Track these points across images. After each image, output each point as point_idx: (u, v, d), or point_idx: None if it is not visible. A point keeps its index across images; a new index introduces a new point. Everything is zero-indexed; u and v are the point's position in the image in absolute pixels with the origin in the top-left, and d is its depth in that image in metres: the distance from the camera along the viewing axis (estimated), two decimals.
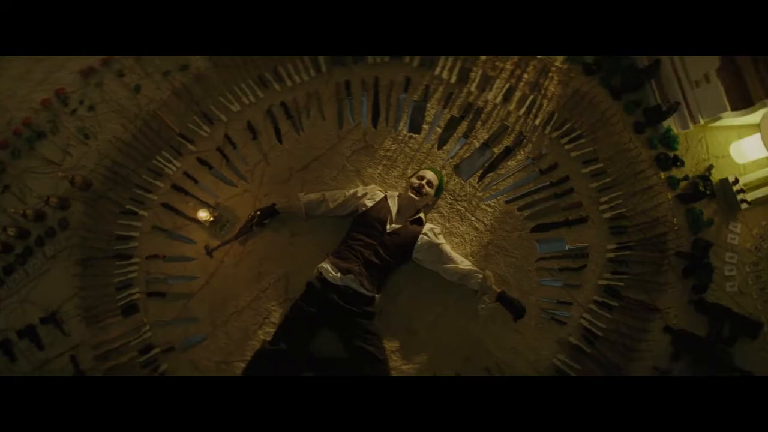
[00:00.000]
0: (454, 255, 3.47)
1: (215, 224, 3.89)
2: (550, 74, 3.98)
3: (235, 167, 3.98)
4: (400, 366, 3.58)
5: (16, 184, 4.16)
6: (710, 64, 3.66)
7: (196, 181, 3.96)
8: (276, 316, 3.74)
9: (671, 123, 3.92)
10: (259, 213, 3.71)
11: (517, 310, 3.37)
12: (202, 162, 3.97)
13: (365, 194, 3.58)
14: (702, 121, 3.82)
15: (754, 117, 3.73)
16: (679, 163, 3.87)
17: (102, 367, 3.80)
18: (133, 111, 4.10)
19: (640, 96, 3.98)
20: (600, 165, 3.82)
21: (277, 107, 4.03)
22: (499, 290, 3.43)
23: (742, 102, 3.70)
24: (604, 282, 3.72)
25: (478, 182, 3.85)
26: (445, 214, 3.82)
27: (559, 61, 4.03)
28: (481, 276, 3.38)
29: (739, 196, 3.81)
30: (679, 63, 3.87)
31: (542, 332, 3.70)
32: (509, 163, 3.90)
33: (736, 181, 3.82)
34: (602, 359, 3.62)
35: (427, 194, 3.54)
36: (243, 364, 3.61)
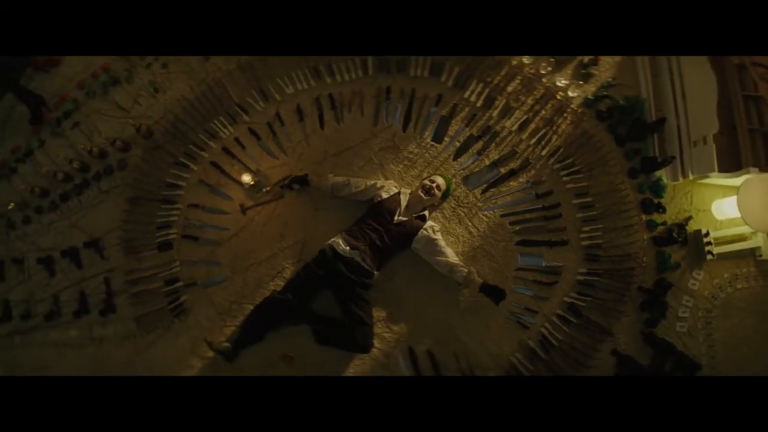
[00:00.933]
0: (447, 250, 3.93)
1: (254, 188, 4.35)
2: (565, 114, 4.40)
3: (280, 142, 4.44)
4: (382, 333, 4.08)
5: (86, 123, 4.71)
6: (710, 128, 4.06)
7: (243, 148, 4.44)
8: (288, 273, 4.21)
9: (663, 173, 4.33)
10: (292, 177, 4.20)
11: (498, 293, 3.77)
12: (253, 132, 4.45)
13: (383, 187, 4.06)
14: (691, 177, 4.23)
15: (738, 180, 4.08)
16: (661, 210, 4.28)
17: (130, 291, 4.31)
18: (201, 75, 4.59)
19: (641, 146, 4.37)
20: (590, 199, 4.23)
21: (324, 97, 4.49)
22: (481, 281, 3.84)
23: (732, 166, 4.08)
24: (569, 300, 4.12)
25: (480, 194, 4.30)
26: (447, 215, 4.28)
27: (575, 104, 4.42)
28: (466, 270, 3.82)
29: (707, 248, 4.21)
30: (684, 123, 4.30)
31: (507, 331, 4.12)
32: (511, 183, 4.33)
33: (707, 234, 4.22)
34: (553, 366, 4.03)
35: (434, 195, 4.02)
36: (252, 307, 4.09)
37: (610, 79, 4.52)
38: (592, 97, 4.45)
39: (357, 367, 4.11)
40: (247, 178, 4.33)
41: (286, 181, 4.22)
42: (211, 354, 4.10)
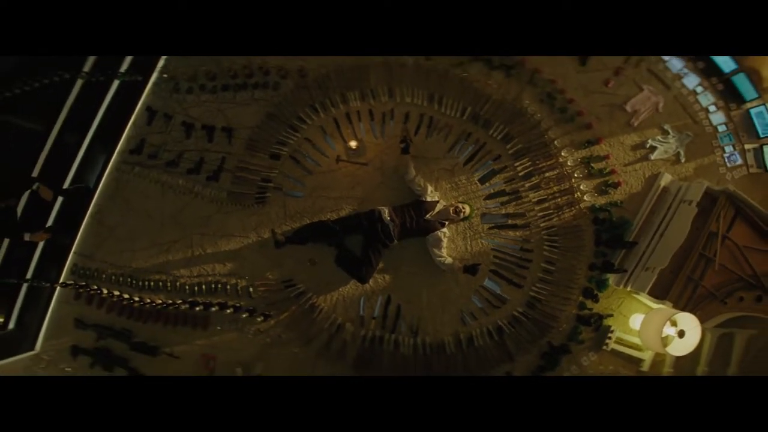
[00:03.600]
0: (444, 249, 5.33)
1: (353, 151, 5.57)
2: (573, 208, 5.61)
3: (384, 129, 5.62)
4: (377, 278, 5.47)
5: None
6: (662, 263, 5.08)
7: (359, 120, 5.62)
8: (343, 212, 5.54)
9: (612, 277, 5.43)
10: (409, 139, 5.32)
11: (475, 267, 5.11)
12: (370, 113, 5.64)
13: (431, 192, 5.39)
14: (629, 289, 5.37)
15: (655, 306, 5.30)
16: (595, 299, 5.46)
17: (235, 173, 5.54)
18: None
19: (610, 252, 5.52)
20: (553, 268, 5.52)
21: (427, 116, 5.68)
22: (462, 265, 5.17)
23: (658, 294, 5.21)
24: (501, 323, 5.44)
25: (487, 229, 5.59)
26: (459, 230, 5.57)
27: (584, 205, 5.61)
28: (451, 260, 5.27)
29: (606, 341, 5.45)
30: (648, 252, 5.30)
31: (452, 320, 5.47)
32: (510, 232, 5.60)
33: (612, 331, 5.44)
34: (465, 360, 5.45)
35: (459, 217, 5.36)
36: (308, 221, 5.45)
37: (619, 201, 5.66)
38: (597, 206, 5.60)
39: (351, 289, 5.53)
40: (353, 143, 5.50)
41: (406, 137, 5.30)
42: (265, 236, 5.51)
